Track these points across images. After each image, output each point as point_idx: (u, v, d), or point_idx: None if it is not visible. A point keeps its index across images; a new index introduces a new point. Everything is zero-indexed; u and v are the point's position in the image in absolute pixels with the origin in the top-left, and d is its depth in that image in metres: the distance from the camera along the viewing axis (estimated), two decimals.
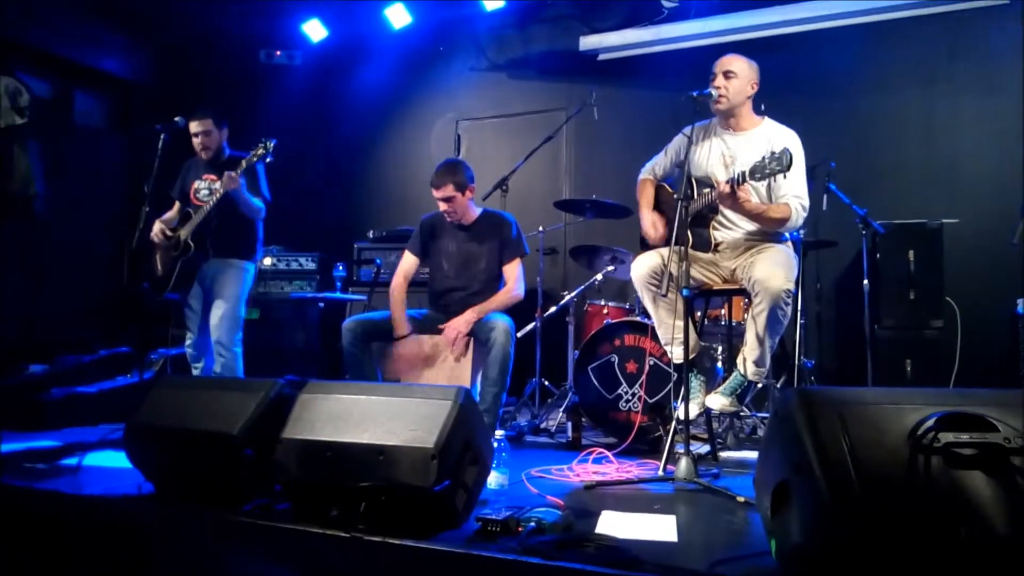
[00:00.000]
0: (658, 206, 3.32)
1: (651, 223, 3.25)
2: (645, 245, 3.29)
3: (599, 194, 4.40)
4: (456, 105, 6.28)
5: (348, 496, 1.90)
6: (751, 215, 2.91)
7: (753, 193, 2.94)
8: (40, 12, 5.43)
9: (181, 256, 3.82)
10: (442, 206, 3.64)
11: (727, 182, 2.79)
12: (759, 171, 2.65)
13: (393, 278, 3.75)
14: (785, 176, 2.69)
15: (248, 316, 4.15)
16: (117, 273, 5.90)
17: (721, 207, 2.96)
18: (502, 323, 3.40)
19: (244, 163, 3.73)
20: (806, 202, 2.93)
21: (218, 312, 3.93)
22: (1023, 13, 4.47)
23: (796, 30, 5.09)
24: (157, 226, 3.97)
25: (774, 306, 2.69)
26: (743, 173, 2.72)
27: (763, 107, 3.13)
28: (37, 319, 5.25)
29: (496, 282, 3.68)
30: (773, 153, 2.60)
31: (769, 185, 2.95)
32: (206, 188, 4.00)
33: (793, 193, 2.90)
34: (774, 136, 2.98)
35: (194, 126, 3.99)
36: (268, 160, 3.73)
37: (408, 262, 3.80)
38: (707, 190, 2.95)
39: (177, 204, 4.14)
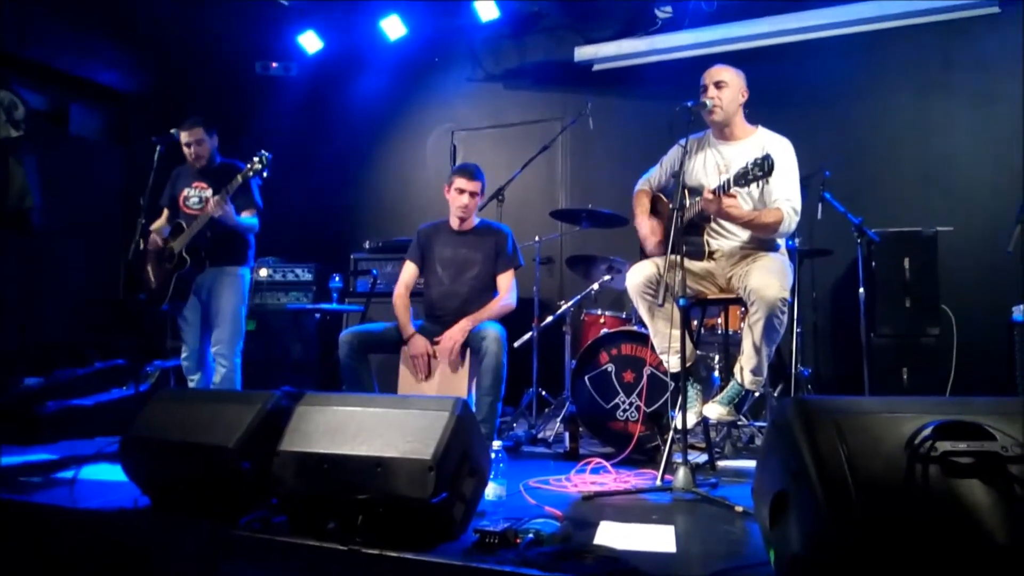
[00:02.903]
0: (655, 215, 3.33)
1: (649, 229, 3.23)
2: (644, 254, 3.29)
3: (595, 203, 4.41)
4: (452, 116, 6.30)
5: (345, 508, 1.89)
6: (743, 222, 2.92)
7: (747, 200, 2.95)
8: (36, 25, 5.44)
9: (176, 269, 3.81)
10: (462, 199, 3.65)
11: (712, 190, 2.80)
12: (743, 178, 2.67)
13: (395, 288, 3.76)
14: (768, 181, 2.71)
15: (245, 327, 4.13)
16: (113, 285, 5.89)
17: (713, 215, 2.97)
18: (493, 331, 3.41)
19: (239, 178, 3.71)
20: (798, 205, 2.93)
21: (220, 324, 3.92)
22: (1023, 21, 4.48)
23: (790, 40, 5.13)
24: (152, 236, 3.97)
25: (770, 315, 2.70)
26: (728, 180, 2.74)
27: (747, 112, 3.13)
28: (33, 332, 5.24)
29: (489, 292, 3.69)
30: (756, 159, 2.62)
31: (762, 192, 2.97)
32: (196, 196, 3.99)
33: (784, 197, 2.91)
34: (767, 144, 2.98)
35: (185, 136, 3.97)
36: (265, 175, 3.71)
37: (408, 271, 3.81)
38: (698, 198, 2.96)
39: (166, 212, 4.13)
